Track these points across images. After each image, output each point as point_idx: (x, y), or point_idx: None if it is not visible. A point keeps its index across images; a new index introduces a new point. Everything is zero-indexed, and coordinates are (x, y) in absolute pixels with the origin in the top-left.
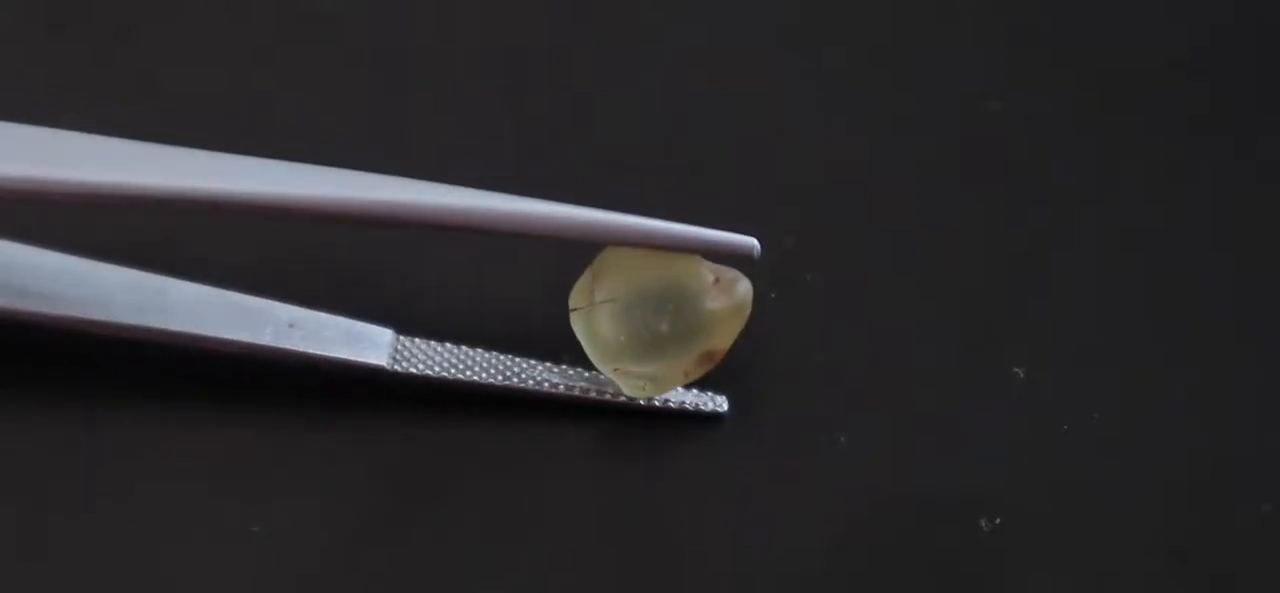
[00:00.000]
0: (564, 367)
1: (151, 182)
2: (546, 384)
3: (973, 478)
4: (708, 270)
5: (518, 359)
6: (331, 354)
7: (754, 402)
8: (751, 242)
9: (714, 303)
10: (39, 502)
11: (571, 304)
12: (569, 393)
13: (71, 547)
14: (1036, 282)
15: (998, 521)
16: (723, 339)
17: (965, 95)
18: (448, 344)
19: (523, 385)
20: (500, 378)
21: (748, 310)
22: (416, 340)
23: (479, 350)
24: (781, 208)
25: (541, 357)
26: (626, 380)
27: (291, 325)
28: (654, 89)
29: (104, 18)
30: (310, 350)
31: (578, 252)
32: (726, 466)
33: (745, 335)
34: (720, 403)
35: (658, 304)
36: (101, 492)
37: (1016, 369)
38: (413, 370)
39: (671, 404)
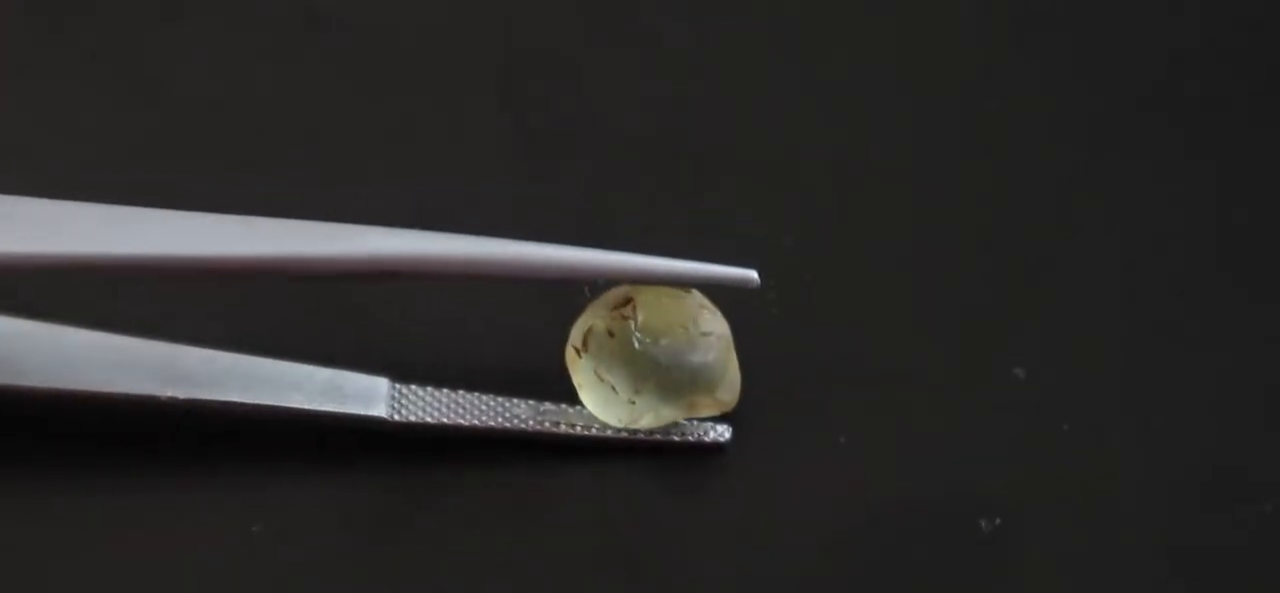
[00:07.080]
0: (563, 406)
1: (142, 250)
2: (547, 423)
3: (973, 478)
4: (699, 311)
5: (515, 400)
6: (329, 410)
7: (753, 402)
8: (750, 274)
9: (707, 354)
10: (39, 504)
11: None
12: (570, 431)
13: (71, 547)
14: (1036, 282)
15: (998, 521)
16: (717, 389)
17: (965, 95)
18: (444, 390)
19: (522, 427)
20: (498, 421)
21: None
22: (413, 388)
23: (477, 394)
24: (781, 208)
25: (537, 396)
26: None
27: (294, 387)
28: (654, 89)
29: (104, 18)
30: (309, 407)
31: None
32: (726, 466)
33: (745, 336)
34: (722, 433)
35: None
36: (101, 493)
37: (1016, 369)
38: (412, 419)
39: (673, 438)
